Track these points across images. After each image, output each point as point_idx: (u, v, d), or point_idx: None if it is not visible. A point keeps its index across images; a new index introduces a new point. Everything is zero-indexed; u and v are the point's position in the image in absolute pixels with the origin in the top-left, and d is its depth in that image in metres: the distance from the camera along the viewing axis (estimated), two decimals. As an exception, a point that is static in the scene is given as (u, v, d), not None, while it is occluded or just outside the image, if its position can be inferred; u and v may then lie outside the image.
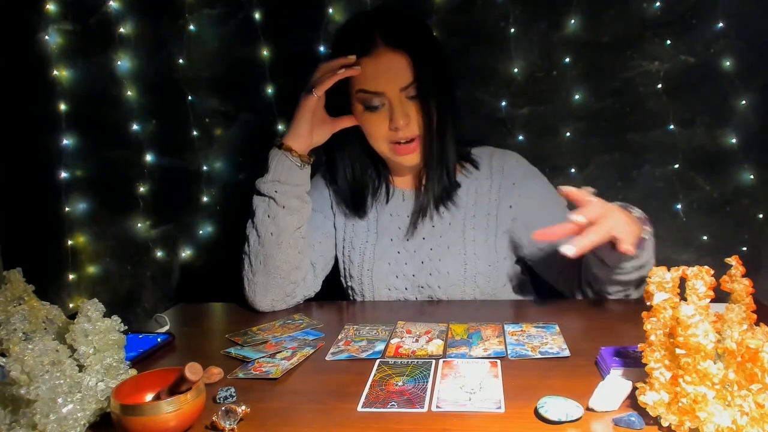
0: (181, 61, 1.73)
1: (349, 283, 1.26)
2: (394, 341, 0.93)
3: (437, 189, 1.17)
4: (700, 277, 0.62)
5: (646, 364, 0.64)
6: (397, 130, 1.09)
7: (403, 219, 1.22)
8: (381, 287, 1.21)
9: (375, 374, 0.81)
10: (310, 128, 1.12)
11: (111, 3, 1.73)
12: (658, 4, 1.55)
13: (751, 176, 1.59)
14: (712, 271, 0.62)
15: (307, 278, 1.18)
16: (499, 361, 0.83)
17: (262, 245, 1.11)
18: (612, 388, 0.69)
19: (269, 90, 1.72)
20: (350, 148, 1.20)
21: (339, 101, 1.14)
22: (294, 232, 1.12)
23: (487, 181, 1.21)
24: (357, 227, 1.25)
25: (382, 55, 1.07)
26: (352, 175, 1.21)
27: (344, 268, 1.26)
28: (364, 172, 1.22)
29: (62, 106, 1.78)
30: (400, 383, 0.78)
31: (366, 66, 1.08)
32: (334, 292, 1.29)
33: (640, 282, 1.07)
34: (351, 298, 1.27)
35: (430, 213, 1.19)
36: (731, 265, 0.70)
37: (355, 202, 1.23)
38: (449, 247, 1.19)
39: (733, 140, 1.58)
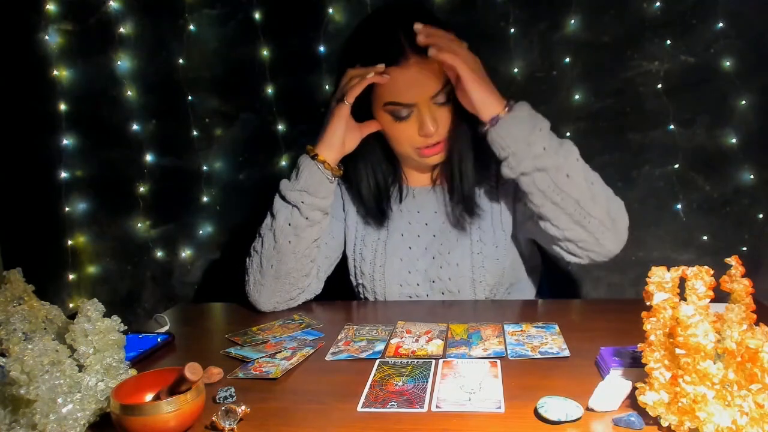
0: (181, 61, 1.74)
1: (360, 281, 1.25)
2: (394, 341, 0.93)
3: (469, 187, 1.16)
4: (700, 277, 0.62)
5: (646, 364, 0.64)
6: (427, 137, 1.09)
7: (413, 215, 1.22)
8: (393, 283, 1.21)
9: (375, 374, 0.81)
10: (343, 137, 1.10)
11: (111, 3, 1.73)
12: (658, 4, 1.55)
13: (751, 176, 1.59)
14: (712, 271, 0.62)
15: (312, 283, 1.18)
16: (498, 361, 0.82)
17: (278, 251, 1.10)
18: (612, 388, 0.69)
19: (269, 90, 1.72)
20: (372, 155, 1.19)
21: (363, 107, 1.12)
22: (311, 244, 1.12)
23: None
24: (369, 224, 1.24)
25: (412, 65, 1.05)
26: (375, 182, 1.20)
27: (355, 266, 1.25)
28: (386, 176, 1.21)
29: (62, 106, 1.79)
30: (400, 383, 0.78)
31: (396, 77, 1.05)
32: (334, 292, 1.28)
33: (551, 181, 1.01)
34: (361, 296, 1.26)
35: (469, 208, 1.17)
36: (731, 265, 0.70)
37: (379, 209, 1.21)
38: (458, 239, 1.19)
39: (733, 140, 1.58)
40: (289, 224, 1.09)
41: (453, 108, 1.10)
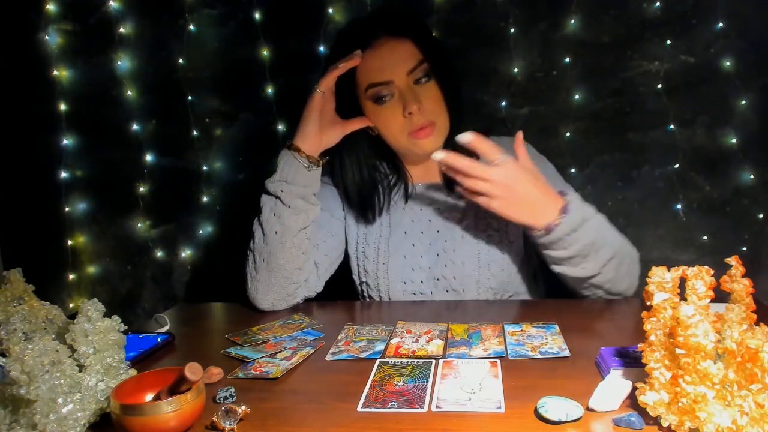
0: (181, 61, 1.73)
1: (364, 279, 1.25)
2: (394, 341, 0.93)
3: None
4: (700, 277, 0.62)
5: (646, 364, 0.64)
6: (411, 116, 1.11)
7: (416, 212, 1.23)
8: (396, 281, 1.21)
9: (375, 374, 0.81)
10: (318, 128, 1.12)
11: (111, 3, 1.72)
12: (658, 4, 1.55)
13: (751, 176, 1.59)
14: (712, 271, 0.62)
15: (310, 279, 1.18)
16: (499, 361, 0.83)
17: (267, 243, 1.11)
18: (612, 388, 0.69)
19: (269, 90, 1.72)
20: (359, 150, 1.21)
21: (350, 105, 1.15)
22: (298, 233, 1.12)
23: None
24: (370, 222, 1.25)
25: (384, 43, 1.10)
26: (360, 177, 1.22)
27: (358, 265, 1.26)
28: (372, 172, 1.23)
29: (62, 106, 1.78)
30: (400, 383, 0.78)
31: (371, 58, 1.10)
32: (335, 292, 1.28)
33: (586, 263, 1.06)
34: (365, 295, 1.26)
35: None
36: (731, 265, 0.70)
37: (363, 205, 1.23)
38: (463, 237, 1.19)
39: (733, 140, 1.58)
40: (274, 214, 1.11)
41: (439, 86, 1.13)
